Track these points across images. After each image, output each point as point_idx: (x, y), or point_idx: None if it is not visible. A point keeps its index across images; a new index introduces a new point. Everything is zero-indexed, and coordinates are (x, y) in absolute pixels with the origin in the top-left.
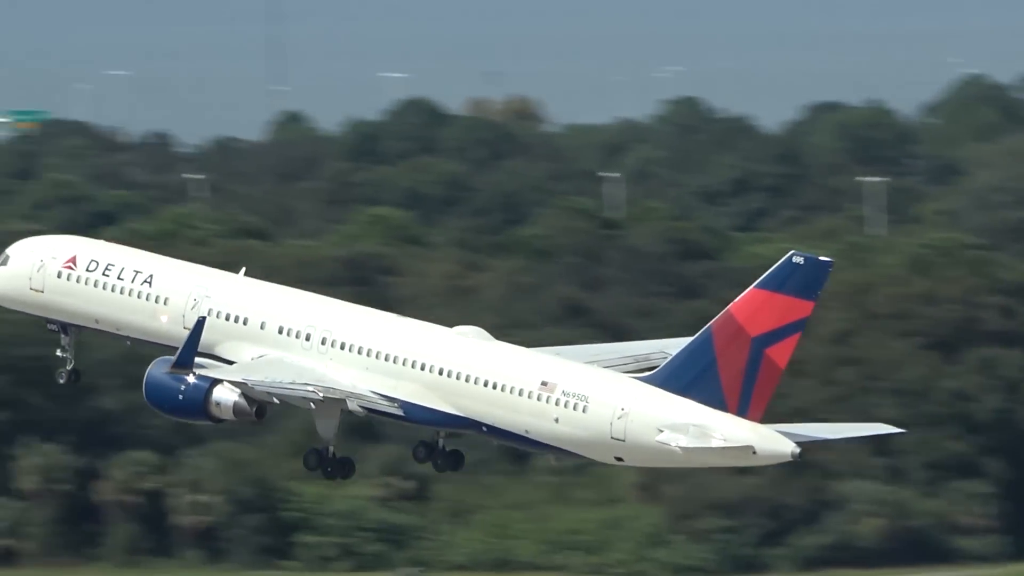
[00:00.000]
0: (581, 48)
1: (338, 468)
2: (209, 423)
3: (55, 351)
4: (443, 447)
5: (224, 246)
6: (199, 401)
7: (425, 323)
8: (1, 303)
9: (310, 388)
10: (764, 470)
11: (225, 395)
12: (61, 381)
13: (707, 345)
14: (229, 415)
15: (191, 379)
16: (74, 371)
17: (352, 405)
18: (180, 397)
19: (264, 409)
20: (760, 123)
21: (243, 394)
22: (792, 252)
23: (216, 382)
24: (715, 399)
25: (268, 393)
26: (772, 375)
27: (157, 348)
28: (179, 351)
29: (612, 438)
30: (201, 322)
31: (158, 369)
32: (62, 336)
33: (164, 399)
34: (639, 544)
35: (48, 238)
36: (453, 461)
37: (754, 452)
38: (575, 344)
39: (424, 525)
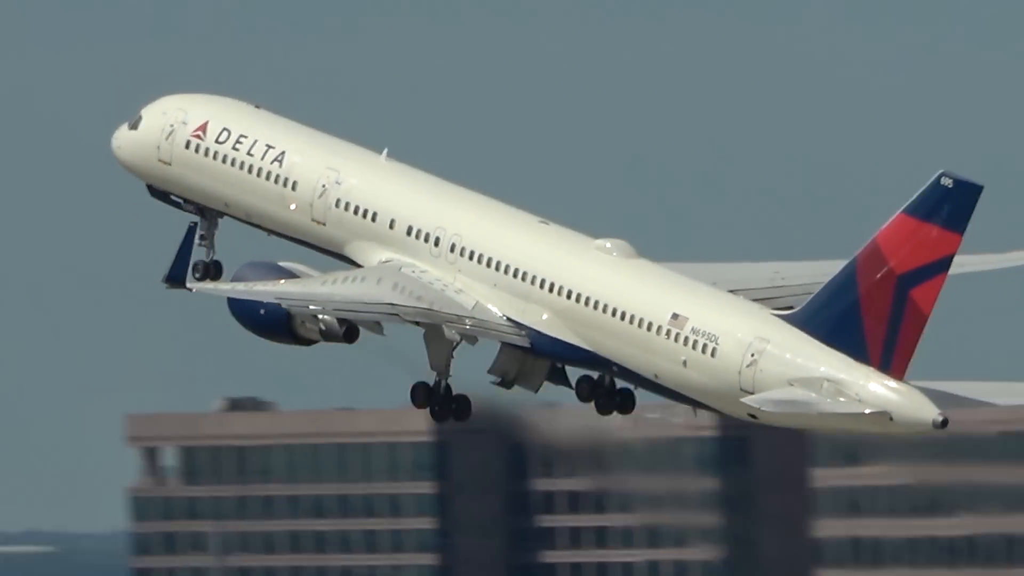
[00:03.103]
0: None
1: (447, 406)
2: (297, 345)
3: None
4: (611, 383)
5: None
6: (283, 317)
7: (567, 231)
8: (134, 174)
9: (379, 309)
10: None
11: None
12: (197, 277)
13: (851, 280)
14: (317, 336)
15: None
16: (213, 263)
17: (449, 332)
18: (262, 311)
19: (355, 330)
20: None
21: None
22: (940, 173)
23: None
24: (857, 348)
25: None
26: (917, 323)
27: (294, 243)
28: (172, 261)
29: (741, 389)
30: (192, 228)
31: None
32: (200, 220)
33: (246, 313)
34: None
35: (183, 98)
36: (621, 402)
37: (891, 419)
38: None
39: None
